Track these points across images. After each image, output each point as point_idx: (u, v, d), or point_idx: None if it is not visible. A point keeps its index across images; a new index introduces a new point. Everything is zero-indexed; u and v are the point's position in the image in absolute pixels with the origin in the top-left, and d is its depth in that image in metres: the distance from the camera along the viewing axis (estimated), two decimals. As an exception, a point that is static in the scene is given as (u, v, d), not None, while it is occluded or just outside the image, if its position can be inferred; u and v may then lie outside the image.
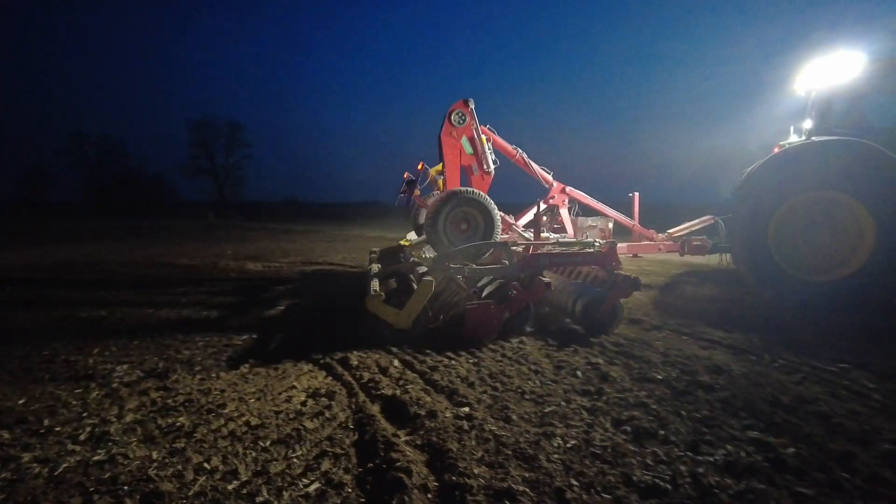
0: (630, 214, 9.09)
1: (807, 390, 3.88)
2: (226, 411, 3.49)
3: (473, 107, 7.80)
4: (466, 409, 3.48)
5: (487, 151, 7.92)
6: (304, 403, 3.62)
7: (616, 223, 9.15)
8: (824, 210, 6.80)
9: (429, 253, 8.18)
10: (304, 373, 4.31)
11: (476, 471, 2.67)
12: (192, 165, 69.97)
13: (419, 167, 9.35)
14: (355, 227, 29.85)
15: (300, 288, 8.79)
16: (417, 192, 9.39)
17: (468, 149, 7.80)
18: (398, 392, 3.76)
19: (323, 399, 3.69)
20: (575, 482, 2.60)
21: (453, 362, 4.52)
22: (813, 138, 7.15)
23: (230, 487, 2.59)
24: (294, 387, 3.95)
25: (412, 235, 9.99)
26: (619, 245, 7.88)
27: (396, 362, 4.53)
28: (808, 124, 7.69)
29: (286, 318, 6.48)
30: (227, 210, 53.30)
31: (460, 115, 7.75)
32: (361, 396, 3.74)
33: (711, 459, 2.82)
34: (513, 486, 2.54)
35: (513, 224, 8.63)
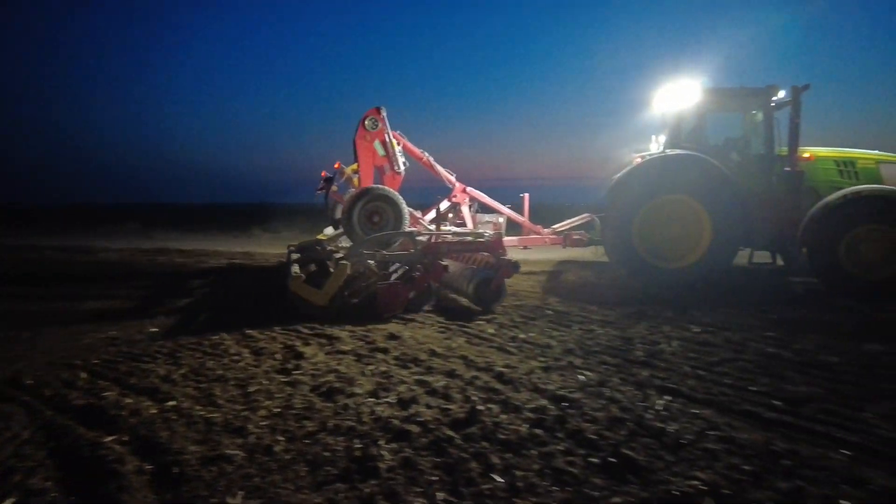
0: (521, 212, 10.48)
1: (454, 342, 5.12)
2: None
3: (385, 114, 8.80)
4: (172, 402, 3.63)
5: (398, 154, 9.02)
6: (-31, 431, 3.24)
7: (509, 219, 10.37)
8: (675, 210, 8.28)
9: (346, 243, 8.69)
10: (-40, 402, 3.76)
11: (191, 448, 2.93)
12: None
13: (336, 166, 10.07)
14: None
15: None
16: (335, 188, 10.13)
17: (380, 151, 8.85)
18: (93, 400, 3.65)
19: (-5, 422, 3.36)
20: (281, 437, 3.09)
21: (150, 365, 4.50)
22: (667, 151, 8.62)
23: None
24: (-51, 418, 3.46)
25: (329, 230, 10.78)
26: (511, 238, 9.80)
27: (84, 374, 4.29)
28: (662, 139, 9.21)
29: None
30: None
31: (373, 120, 8.77)
32: (48, 412, 3.52)
33: (388, 400, 3.63)
34: (226, 451, 2.90)
35: (420, 218, 9.52)
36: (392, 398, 3.66)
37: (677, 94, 8.77)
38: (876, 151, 8.38)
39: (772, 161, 8.46)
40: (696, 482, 2.57)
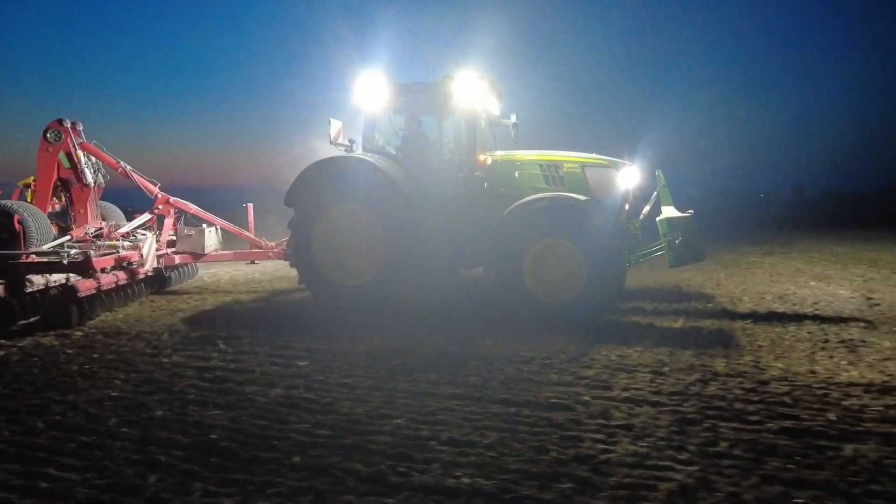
0: (245, 224, 9.62)
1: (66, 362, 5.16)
2: None
3: (70, 125, 8.43)
4: None
5: (84, 166, 8.56)
6: None
7: (225, 231, 9.55)
8: (351, 220, 7.11)
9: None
10: None
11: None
12: None
13: None
14: None
15: None
16: None
17: (66, 163, 8.41)
18: None
19: None
20: None
21: None
22: (339, 155, 7.52)
23: None
24: None
25: None
26: (226, 252, 9.45)
27: None
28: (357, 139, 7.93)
29: None
30: None
31: (55, 132, 8.36)
32: None
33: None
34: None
35: (114, 233, 8.71)
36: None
37: (367, 89, 7.62)
38: (581, 154, 7.52)
39: (458, 165, 7.50)
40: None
